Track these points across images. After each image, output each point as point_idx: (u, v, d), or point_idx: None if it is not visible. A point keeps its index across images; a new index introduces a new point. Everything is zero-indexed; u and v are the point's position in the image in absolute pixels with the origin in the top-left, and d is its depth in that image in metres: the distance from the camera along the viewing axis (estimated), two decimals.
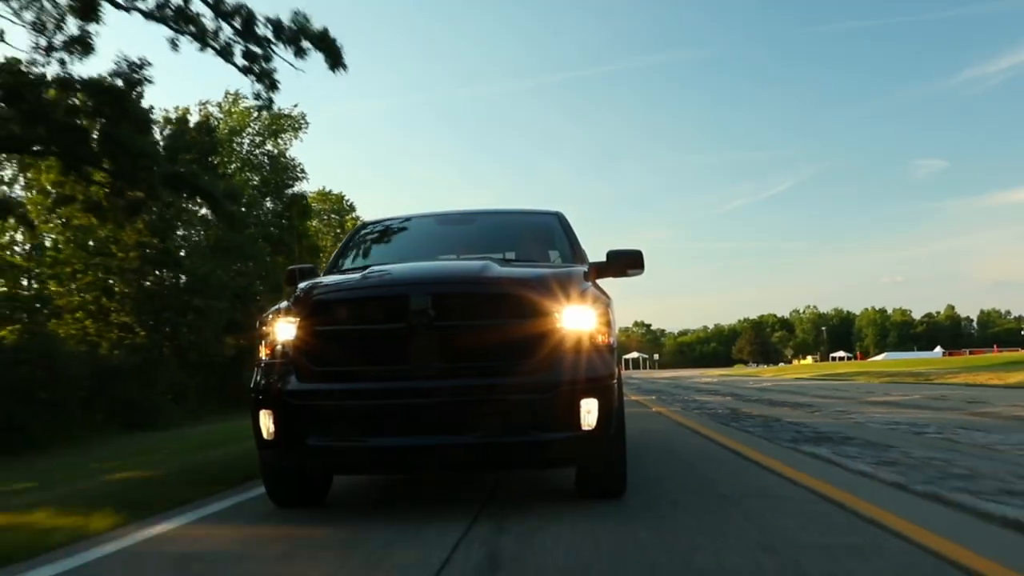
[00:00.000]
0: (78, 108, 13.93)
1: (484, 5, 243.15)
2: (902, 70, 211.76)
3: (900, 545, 2.95)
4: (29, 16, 12.93)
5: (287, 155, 39.13)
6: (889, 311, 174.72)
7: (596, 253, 5.09)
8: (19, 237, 20.59)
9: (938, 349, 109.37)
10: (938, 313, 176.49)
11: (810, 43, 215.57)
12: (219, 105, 36.30)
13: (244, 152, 37.76)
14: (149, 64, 14.36)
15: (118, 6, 11.64)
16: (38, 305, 18.84)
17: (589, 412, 3.56)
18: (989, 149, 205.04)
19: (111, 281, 20.49)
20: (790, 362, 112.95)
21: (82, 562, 3.19)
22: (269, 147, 39.44)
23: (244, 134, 38.37)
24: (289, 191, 37.85)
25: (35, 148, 14.55)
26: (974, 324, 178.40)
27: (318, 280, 4.43)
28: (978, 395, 14.25)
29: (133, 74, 13.84)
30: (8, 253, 19.55)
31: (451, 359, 3.62)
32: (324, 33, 11.03)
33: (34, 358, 15.97)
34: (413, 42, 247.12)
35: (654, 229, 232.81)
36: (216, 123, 33.95)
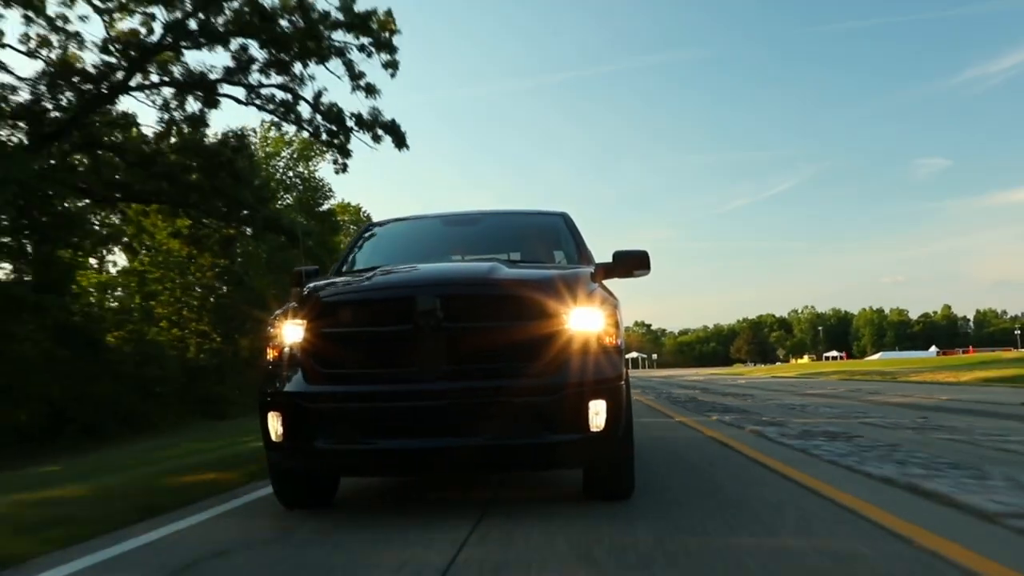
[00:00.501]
0: (193, 168, 18.15)
1: (484, 5, 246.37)
2: (903, 70, 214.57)
3: (721, 450, 7.14)
4: (158, 100, 17.19)
5: (316, 176, 43.50)
6: (887, 311, 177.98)
7: (598, 254, 5.13)
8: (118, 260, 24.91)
9: (933, 349, 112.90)
10: (935, 313, 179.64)
11: (810, 43, 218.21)
12: (254, 131, 40.75)
13: (279, 174, 42.08)
14: (251, 132, 18.70)
15: (238, 101, 15.86)
16: (136, 315, 23.10)
17: (597, 413, 3.56)
18: (990, 149, 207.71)
19: (192, 294, 24.75)
20: (786, 361, 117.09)
21: (247, 500, 4.61)
22: (301, 169, 43.84)
23: (278, 157, 42.78)
24: (319, 209, 42.28)
25: (156, 198, 18.75)
26: (971, 324, 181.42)
27: (325, 282, 4.44)
28: (888, 388, 18.43)
29: (237, 142, 18.05)
30: (109, 273, 23.79)
31: (459, 360, 3.62)
32: (393, 122, 15.23)
33: (151, 360, 20.19)
34: (413, 42, 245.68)
35: (655, 229, 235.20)
36: (256, 148, 38.20)
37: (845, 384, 22.59)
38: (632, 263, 4.73)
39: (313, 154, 42.07)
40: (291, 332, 3.83)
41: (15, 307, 12.75)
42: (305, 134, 15.91)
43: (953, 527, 3.21)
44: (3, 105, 14.56)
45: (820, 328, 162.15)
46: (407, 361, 3.63)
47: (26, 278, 14.53)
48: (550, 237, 5.41)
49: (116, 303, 22.74)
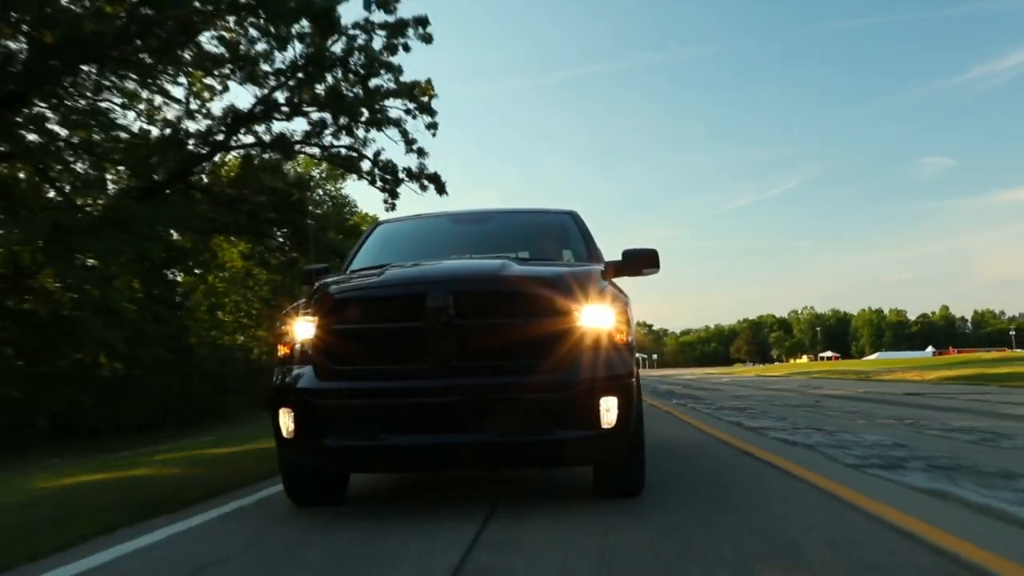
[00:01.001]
0: (268, 205, 22.27)
1: (484, 3, 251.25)
2: (906, 69, 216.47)
3: (663, 414, 11.29)
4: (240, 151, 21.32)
5: (342, 192, 47.78)
6: (886, 311, 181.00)
7: (602, 253, 5.17)
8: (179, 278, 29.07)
9: (929, 349, 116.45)
10: (933, 313, 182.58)
11: (813, 41, 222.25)
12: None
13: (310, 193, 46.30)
14: (314, 177, 22.82)
15: (313, 157, 20.01)
16: (208, 322, 27.29)
17: (608, 410, 3.56)
18: (992, 148, 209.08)
19: (252, 305, 28.97)
20: (781, 361, 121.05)
21: None
22: (329, 187, 48.16)
23: (308, 177, 47.03)
24: (347, 223, 46.47)
25: (236, 230, 22.86)
26: (968, 324, 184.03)
27: (336, 279, 4.45)
28: (840, 384, 22.52)
29: (303, 184, 22.16)
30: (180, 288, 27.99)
31: (470, 357, 3.61)
32: (436, 174, 19.46)
33: (228, 361, 24.34)
34: (413, 41, 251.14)
35: (658, 228, 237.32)
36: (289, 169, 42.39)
37: (805, 381, 26.70)
38: (641, 261, 4.78)
39: (340, 174, 46.23)
40: (302, 329, 3.84)
41: (151, 320, 16.74)
42: (365, 183, 20.02)
43: (747, 438, 7.29)
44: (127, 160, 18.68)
45: (818, 329, 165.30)
46: (418, 358, 3.63)
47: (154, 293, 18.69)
48: (559, 235, 5.41)
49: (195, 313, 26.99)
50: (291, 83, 18.55)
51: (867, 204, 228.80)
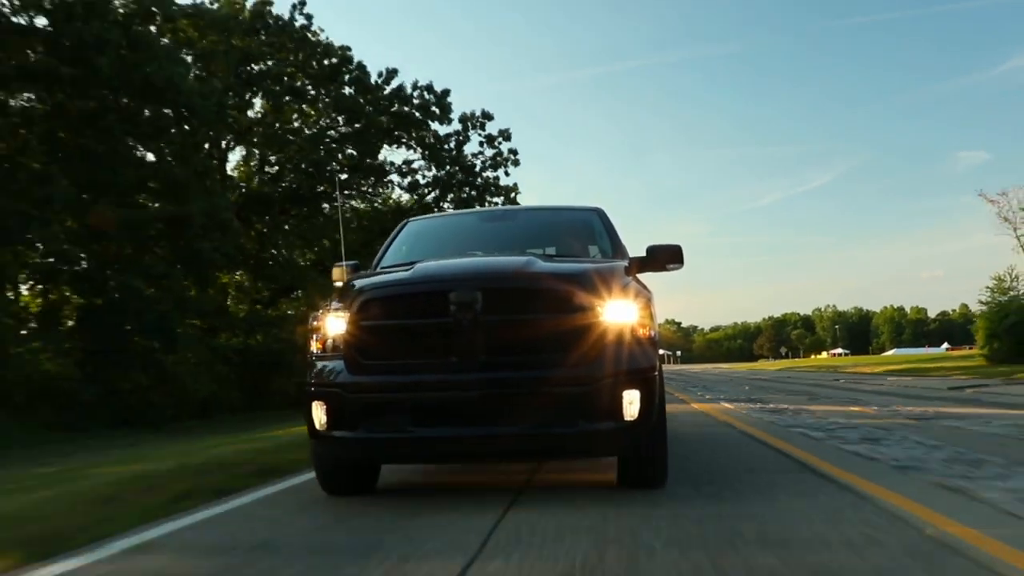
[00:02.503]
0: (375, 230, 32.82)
1: (510, 1, 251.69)
2: (941, 62, 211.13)
3: None
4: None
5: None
6: (907, 309, 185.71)
7: (628, 248, 5.25)
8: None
9: (944, 345, 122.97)
10: (953, 311, 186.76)
11: (843, 37, 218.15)
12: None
13: None
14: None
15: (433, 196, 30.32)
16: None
17: (632, 403, 3.64)
18: None
19: None
20: (785, 357, 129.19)
21: None
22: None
23: None
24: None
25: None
26: None
27: (366, 276, 4.55)
28: (796, 374, 31.90)
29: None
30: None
31: (497, 352, 3.69)
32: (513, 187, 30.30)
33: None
34: (441, 39, 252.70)
35: (688, 224, 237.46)
36: None
37: (781, 373, 36.03)
38: (665, 257, 4.91)
39: None
40: (334, 325, 3.95)
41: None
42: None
43: (686, 392, 17.00)
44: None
45: (837, 326, 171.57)
46: (446, 352, 3.71)
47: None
48: (585, 232, 5.51)
49: None
50: (436, 191, 29.17)
51: (900, 200, 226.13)
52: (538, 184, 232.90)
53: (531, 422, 3.65)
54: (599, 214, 5.63)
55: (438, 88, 28.31)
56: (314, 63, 27.08)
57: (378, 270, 4.94)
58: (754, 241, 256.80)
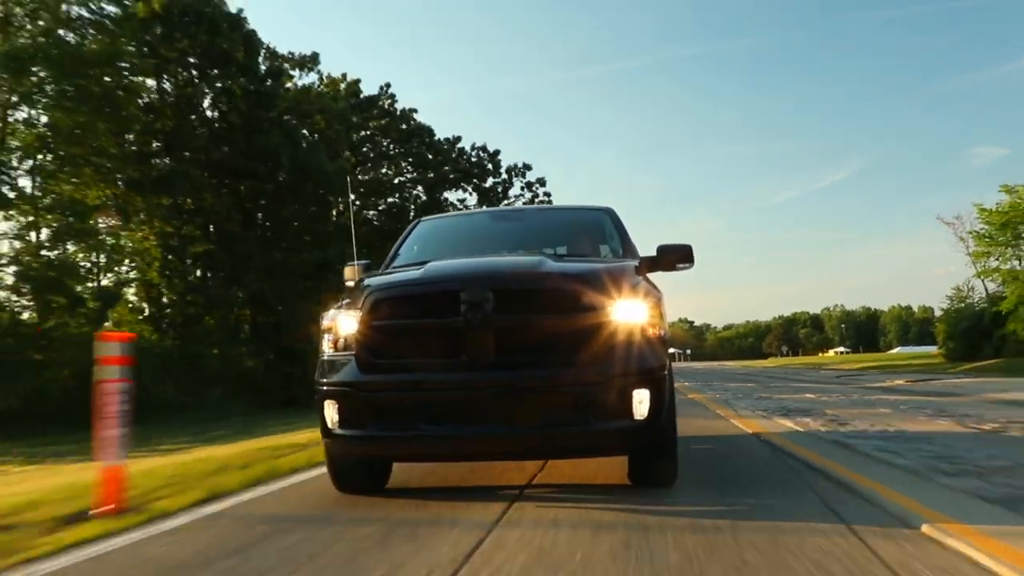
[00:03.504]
0: None
1: None
2: (957, 57, 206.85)
3: None
4: None
5: None
6: (915, 308, 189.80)
7: (642, 245, 5.25)
8: None
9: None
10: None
11: (859, 32, 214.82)
12: None
13: None
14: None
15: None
16: None
17: (641, 402, 3.67)
18: None
19: None
20: (779, 356, 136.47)
21: None
22: None
23: None
24: None
25: None
26: None
27: (378, 276, 4.58)
28: (783, 370, 39.69)
29: None
30: None
31: (507, 352, 3.72)
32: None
33: None
34: (455, 32, 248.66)
35: (702, 221, 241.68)
36: None
37: (769, 368, 43.72)
38: (676, 256, 4.93)
39: None
40: (345, 324, 3.97)
41: None
42: None
43: (681, 382, 25.10)
44: None
45: (844, 325, 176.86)
46: (457, 352, 3.72)
47: None
48: (595, 232, 5.54)
49: None
50: None
51: (915, 196, 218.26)
52: (552, 180, 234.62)
53: (541, 421, 3.69)
54: (609, 214, 5.67)
55: (491, 148, 36.80)
56: (396, 128, 35.45)
57: (389, 269, 5.02)
58: (768, 238, 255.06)
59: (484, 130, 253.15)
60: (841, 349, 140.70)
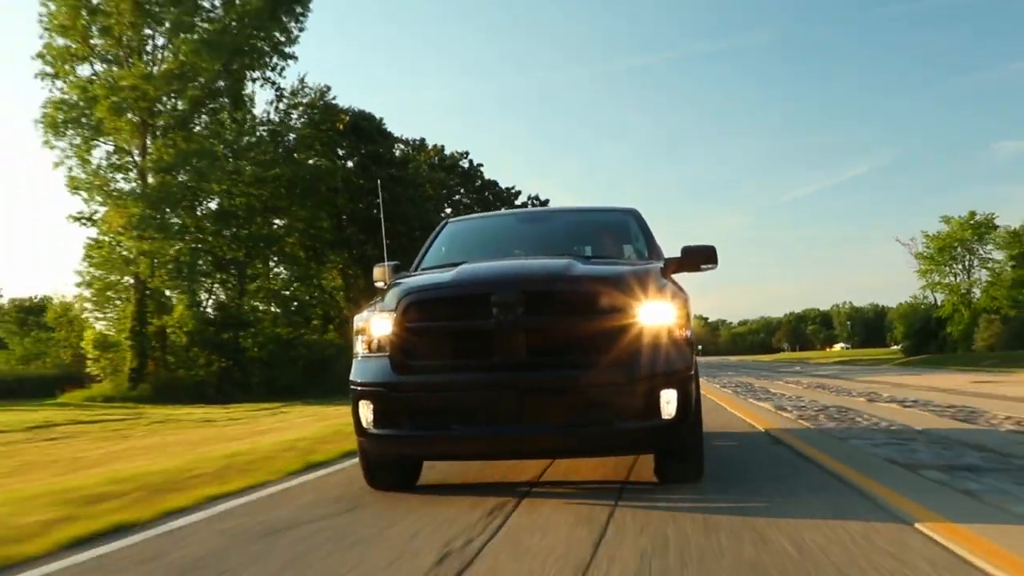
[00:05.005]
0: None
1: None
2: (980, 50, 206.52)
3: None
4: None
5: None
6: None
7: (662, 242, 5.41)
8: None
9: None
10: None
11: (880, 26, 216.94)
12: None
13: None
14: None
15: None
16: None
17: (668, 402, 3.77)
18: None
19: None
20: (786, 351, 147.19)
21: None
22: None
23: None
24: None
25: None
26: None
27: (410, 278, 4.65)
28: (772, 364, 51.40)
29: None
30: None
31: (537, 353, 3.83)
32: None
33: None
34: (474, 30, 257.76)
35: (720, 217, 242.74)
36: None
37: (763, 361, 55.22)
38: (700, 257, 5.05)
39: None
40: (379, 326, 4.07)
41: None
42: None
43: None
44: None
45: (850, 322, 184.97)
46: (488, 353, 3.83)
47: None
48: (620, 233, 5.63)
49: None
50: None
51: (935, 191, 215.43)
52: (571, 178, 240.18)
53: (572, 421, 3.79)
54: (634, 215, 5.74)
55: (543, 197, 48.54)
56: (472, 184, 47.66)
57: (419, 271, 5.14)
58: (785, 235, 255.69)
59: (504, 129, 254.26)
60: (841, 345, 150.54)
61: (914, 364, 37.88)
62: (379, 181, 20.36)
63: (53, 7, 26.01)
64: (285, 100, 32.37)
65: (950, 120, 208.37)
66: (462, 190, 47.81)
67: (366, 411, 4.03)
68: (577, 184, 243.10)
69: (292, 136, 32.74)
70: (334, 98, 34.90)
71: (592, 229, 5.87)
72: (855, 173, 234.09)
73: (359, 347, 4.22)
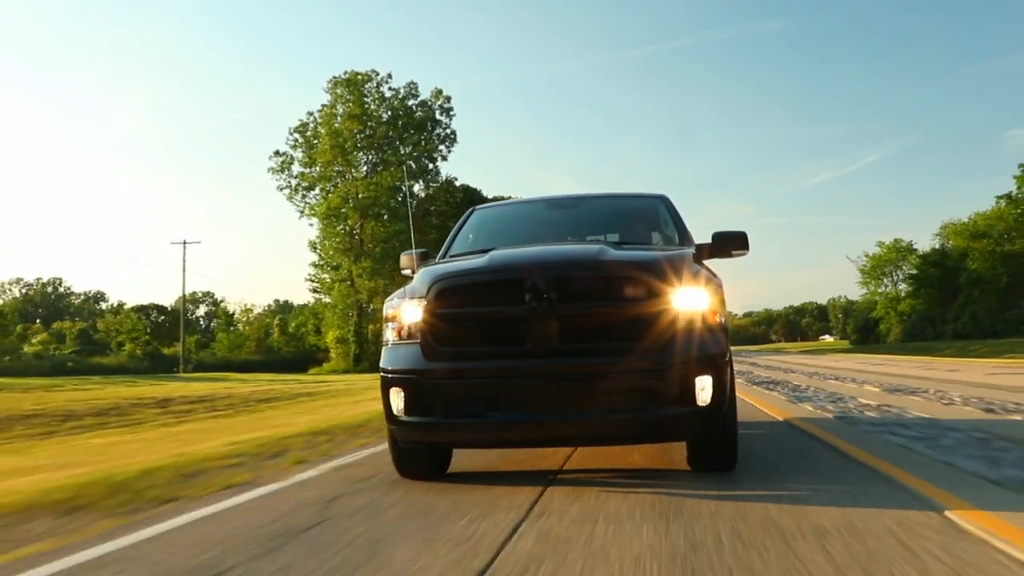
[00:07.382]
0: None
1: None
2: (993, 39, 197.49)
3: None
4: None
5: None
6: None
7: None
8: None
9: None
10: None
11: (891, 14, 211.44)
12: None
13: None
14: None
15: None
16: None
17: (703, 389, 3.73)
18: None
19: None
20: (773, 342, 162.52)
21: None
22: None
23: None
24: None
25: None
26: None
27: (441, 265, 4.58)
28: (757, 353, 69.67)
29: None
30: None
31: (571, 339, 3.77)
32: None
33: None
34: (485, 19, 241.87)
35: (733, 205, 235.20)
36: None
37: (752, 351, 73.25)
38: (732, 244, 5.01)
39: None
40: (409, 313, 4.04)
41: None
42: None
43: None
44: None
45: (840, 315, 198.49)
46: (520, 339, 3.79)
47: None
48: (650, 219, 5.56)
49: None
50: None
51: (947, 181, 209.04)
52: (584, 167, 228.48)
53: (605, 407, 3.74)
54: (664, 201, 5.66)
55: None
56: None
57: (448, 258, 5.07)
58: (795, 224, 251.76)
59: (514, 118, 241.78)
60: (826, 336, 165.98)
61: (842, 351, 54.91)
62: (404, 170, 37.55)
63: (318, 144, 48.70)
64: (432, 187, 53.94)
65: (962, 109, 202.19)
66: None
67: (397, 398, 4.01)
68: (589, 175, 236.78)
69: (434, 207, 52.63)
70: (455, 179, 54.88)
71: (622, 215, 5.87)
72: (865, 163, 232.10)
73: (389, 334, 4.22)
